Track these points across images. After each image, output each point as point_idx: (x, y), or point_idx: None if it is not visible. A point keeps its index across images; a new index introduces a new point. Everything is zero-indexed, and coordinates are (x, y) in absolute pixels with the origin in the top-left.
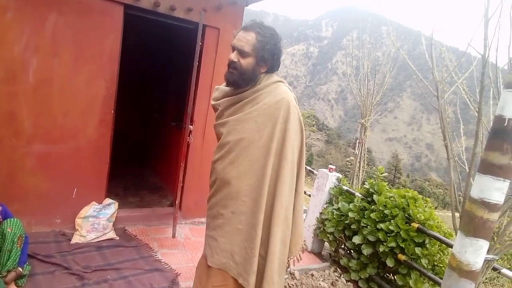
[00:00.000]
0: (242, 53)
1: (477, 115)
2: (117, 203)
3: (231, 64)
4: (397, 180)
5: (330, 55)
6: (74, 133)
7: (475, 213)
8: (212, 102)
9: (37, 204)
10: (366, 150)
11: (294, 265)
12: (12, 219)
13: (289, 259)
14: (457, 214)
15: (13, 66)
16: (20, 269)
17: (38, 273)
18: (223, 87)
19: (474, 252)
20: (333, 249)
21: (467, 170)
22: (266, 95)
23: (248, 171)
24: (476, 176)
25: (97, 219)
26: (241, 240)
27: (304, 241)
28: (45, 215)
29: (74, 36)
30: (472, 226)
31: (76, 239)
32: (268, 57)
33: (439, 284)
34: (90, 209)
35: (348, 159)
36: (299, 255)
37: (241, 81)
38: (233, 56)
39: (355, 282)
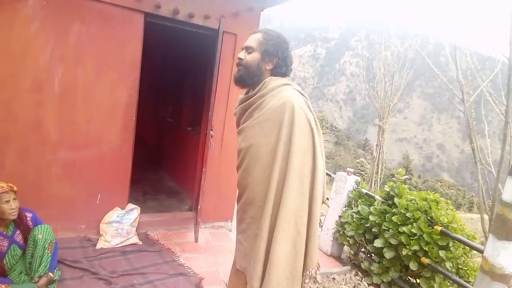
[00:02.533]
0: (248, 49)
1: (503, 118)
2: (139, 208)
3: (239, 62)
4: (408, 182)
5: (338, 56)
6: (97, 140)
7: (507, 217)
8: (234, 111)
9: (63, 210)
10: (384, 152)
11: (307, 282)
12: (42, 225)
13: (309, 271)
14: (485, 217)
15: (39, 76)
16: (51, 274)
17: (67, 278)
18: (241, 96)
19: (507, 256)
20: (353, 252)
21: (494, 172)
22: (270, 99)
23: (260, 177)
24: (508, 179)
25: (120, 224)
26: (256, 245)
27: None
28: (70, 221)
29: (97, 44)
30: (505, 230)
31: (101, 244)
32: (272, 51)
33: (464, 287)
34: (114, 214)
35: (358, 160)
36: (318, 265)
37: (246, 76)
38: (241, 54)
39: (377, 286)
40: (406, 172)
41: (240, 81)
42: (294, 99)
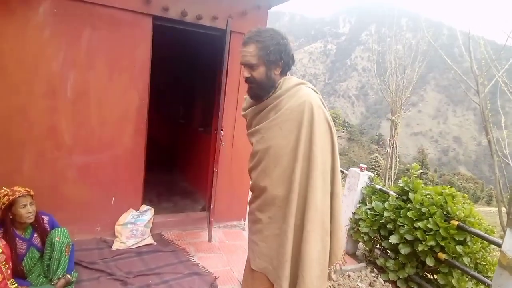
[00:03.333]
0: (251, 67)
1: None
2: (153, 209)
3: (246, 80)
4: (424, 176)
5: (349, 51)
6: (111, 143)
7: None
8: (242, 113)
9: (79, 213)
10: (398, 147)
11: (335, 273)
12: (59, 228)
13: (333, 265)
14: (503, 210)
15: (53, 81)
16: (69, 276)
17: (84, 280)
18: (248, 97)
19: None
20: (368, 249)
21: (511, 164)
22: (288, 99)
23: (280, 178)
24: None
25: (135, 226)
26: (278, 245)
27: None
28: (86, 223)
29: (107, 49)
30: None
31: (116, 245)
32: (274, 58)
33: (483, 282)
34: (128, 216)
35: (372, 156)
36: (344, 258)
37: (261, 92)
38: (245, 72)
39: (393, 282)
40: (422, 166)
41: (258, 97)
42: (312, 99)
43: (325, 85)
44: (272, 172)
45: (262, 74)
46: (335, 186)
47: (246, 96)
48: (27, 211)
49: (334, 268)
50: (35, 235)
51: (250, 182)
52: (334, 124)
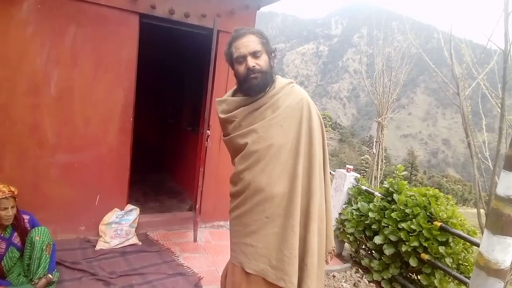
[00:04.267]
0: (255, 54)
1: (499, 110)
2: (138, 209)
3: (253, 70)
4: (413, 178)
5: (341, 53)
6: (95, 141)
7: (502, 211)
8: (223, 116)
9: (62, 212)
10: (384, 149)
11: (330, 260)
12: (39, 227)
13: (326, 254)
14: (481, 212)
15: (36, 79)
16: (50, 276)
17: (66, 280)
18: (230, 99)
19: (502, 250)
20: (354, 249)
21: (491, 166)
22: (286, 97)
23: (281, 175)
24: (502, 173)
25: (120, 225)
26: (278, 244)
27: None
28: (70, 222)
29: (93, 47)
30: (500, 224)
31: (100, 245)
32: (271, 49)
33: (464, 283)
34: (113, 215)
35: (363, 157)
36: (334, 249)
37: (266, 82)
38: (250, 61)
39: (377, 283)
40: (411, 168)
41: (261, 89)
42: (307, 96)
43: (317, 86)
44: (272, 170)
45: (267, 61)
46: (326, 179)
47: (221, 99)
48: (6, 213)
49: (330, 256)
50: (15, 234)
51: (237, 185)
52: (324, 126)
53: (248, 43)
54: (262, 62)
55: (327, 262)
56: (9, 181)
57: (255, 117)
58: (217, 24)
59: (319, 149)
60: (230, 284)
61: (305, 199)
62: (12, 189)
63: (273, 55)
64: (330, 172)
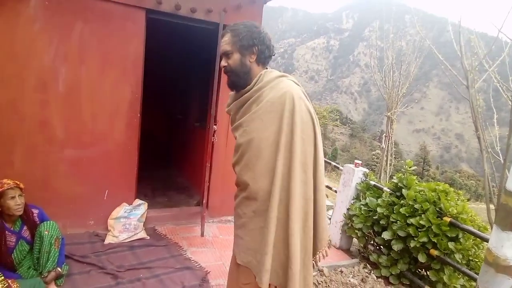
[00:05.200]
0: (226, 55)
1: (511, 104)
2: (146, 204)
3: (224, 70)
4: (426, 173)
5: (352, 47)
6: (103, 137)
7: (511, 206)
8: (226, 109)
9: (71, 207)
10: (393, 143)
11: (320, 261)
12: (48, 221)
13: (317, 254)
14: (492, 207)
15: (44, 75)
16: (59, 269)
17: (75, 273)
18: (231, 93)
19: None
20: (362, 245)
21: (502, 161)
22: (269, 91)
23: (263, 171)
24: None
25: (128, 220)
26: (262, 239)
27: (329, 236)
28: (79, 217)
29: (99, 42)
30: (509, 220)
31: (109, 239)
32: (247, 44)
33: (474, 280)
34: (121, 210)
35: (374, 152)
36: (326, 251)
37: (237, 80)
38: (222, 62)
39: (385, 278)
40: (424, 163)
41: (234, 86)
42: (293, 90)
43: (327, 81)
44: (255, 165)
45: (237, 60)
46: (318, 177)
47: (231, 93)
48: (15, 203)
49: (319, 256)
50: (25, 228)
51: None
52: (335, 120)
53: (222, 44)
54: (231, 61)
55: (316, 263)
56: (19, 176)
57: (244, 111)
58: (223, 19)
59: (302, 146)
60: (229, 273)
61: (285, 197)
62: (17, 182)
63: (254, 50)
64: (339, 167)
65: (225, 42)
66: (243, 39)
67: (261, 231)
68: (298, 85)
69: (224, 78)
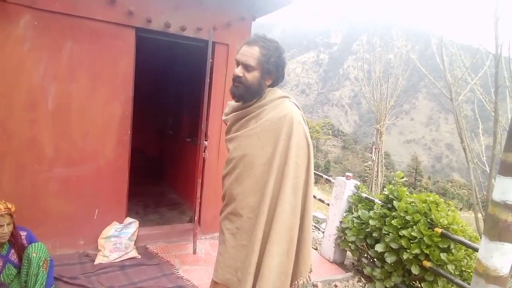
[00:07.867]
0: (247, 67)
1: (494, 115)
2: (137, 222)
3: (237, 79)
4: (418, 183)
5: (341, 60)
6: (93, 155)
7: (498, 216)
8: (223, 117)
9: (61, 226)
10: (383, 155)
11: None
12: (36, 243)
13: (298, 280)
14: (480, 216)
15: (33, 94)
16: None
17: None
18: (232, 102)
19: (501, 257)
20: (356, 258)
21: (488, 171)
22: (270, 110)
23: (252, 188)
24: (497, 178)
25: (119, 239)
26: (244, 257)
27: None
28: (68, 237)
29: (89, 61)
30: (497, 230)
31: (99, 259)
32: (272, 69)
33: None
34: (112, 229)
35: (366, 164)
36: (309, 276)
37: (247, 95)
38: (238, 71)
39: None
40: (416, 173)
41: (241, 98)
42: (293, 113)
43: (318, 94)
44: (244, 181)
45: (255, 78)
46: (307, 202)
47: (230, 102)
48: (2, 231)
49: (298, 283)
50: (12, 251)
51: (223, 189)
52: (327, 133)
53: (246, 54)
54: (250, 76)
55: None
56: (7, 196)
57: (241, 125)
58: (211, 37)
59: (295, 170)
60: None
61: (271, 219)
62: (9, 205)
63: (274, 76)
64: (330, 180)
65: (251, 55)
66: (271, 64)
67: (243, 248)
68: (298, 108)
69: (215, 94)
